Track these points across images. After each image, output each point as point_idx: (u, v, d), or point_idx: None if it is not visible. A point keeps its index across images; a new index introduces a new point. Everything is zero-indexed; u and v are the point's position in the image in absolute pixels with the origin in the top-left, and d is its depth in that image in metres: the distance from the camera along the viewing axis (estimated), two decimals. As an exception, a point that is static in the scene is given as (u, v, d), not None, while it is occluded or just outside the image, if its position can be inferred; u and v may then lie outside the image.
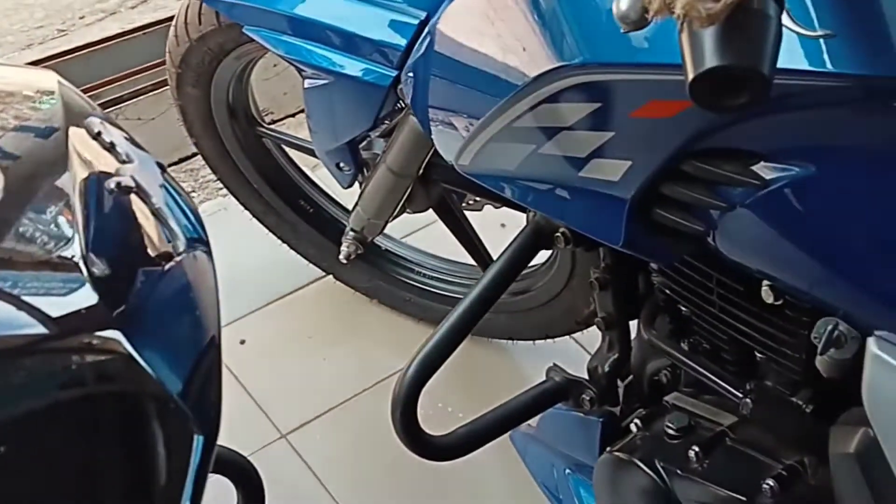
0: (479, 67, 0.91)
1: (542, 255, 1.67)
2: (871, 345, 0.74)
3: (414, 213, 1.61)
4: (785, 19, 0.64)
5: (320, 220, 1.86)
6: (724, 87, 0.52)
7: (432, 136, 1.06)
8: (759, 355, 0.97)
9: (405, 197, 1.48)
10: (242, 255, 2.02)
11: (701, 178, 0.79)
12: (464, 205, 1.70)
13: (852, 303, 0.76)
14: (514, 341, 1.79)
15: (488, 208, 1.66)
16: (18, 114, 0.83)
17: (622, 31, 0.66)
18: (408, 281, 1.84)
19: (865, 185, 0.70)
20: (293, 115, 2.39)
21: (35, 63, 2.29)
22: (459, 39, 0.97)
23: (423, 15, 1.22)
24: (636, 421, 1.06)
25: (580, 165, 0.85)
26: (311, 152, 1.67)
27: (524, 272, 1.71)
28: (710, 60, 0.51)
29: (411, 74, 1.11)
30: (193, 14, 1.50)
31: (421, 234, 2.00)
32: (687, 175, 0.79)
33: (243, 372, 1.82)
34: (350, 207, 1.82)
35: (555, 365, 1.19)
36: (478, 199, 1.68)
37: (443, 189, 1.59)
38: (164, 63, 2.12)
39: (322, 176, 1.78)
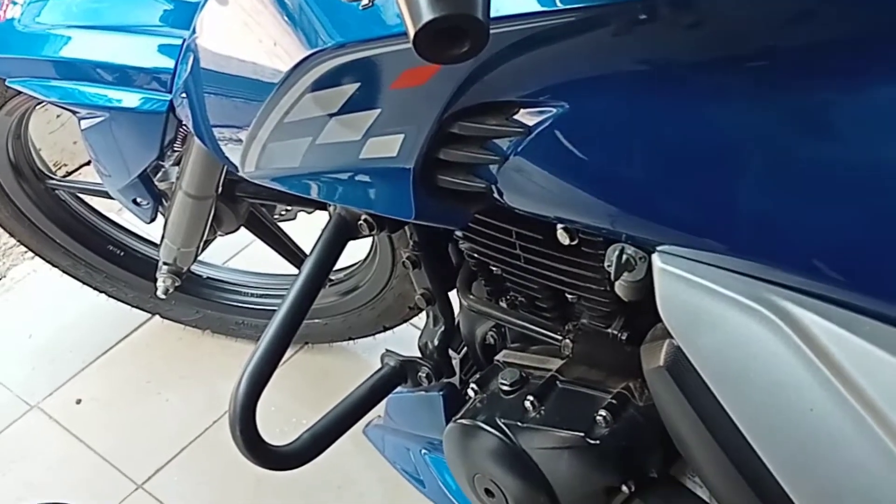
0: (242, 74, 0.92)
1: (364, 251, 1.69)
2: (656, 261, 0.78)
3: (226, 234, 1.59)
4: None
5: (133, 262, 1.81)
6: (446, 39, 0.54)
7: (218, 152, 1.06)
8: (570, 297, 1.01)
9: (210, 219, 1.46)
10: (61, 314, 1.95)
11: (470, 137, 0.81)
12: (276, 217, 1.70)
13: (631, 225, 0.79)
14: (355, 340, 1.80)
15: (303, 215, 1.67)
16: None
17: (360, 7, 0.68)
18: (235, 304, 1.82)
19: (616, 112, 0.74)
20: (88, 163, 2.32)
21: None
22: (219, 50, 0.97)
23: (185, 34, 1.21)
24: (472, 386, 1.08)
25: (358, 148, 0.86)
26: (108, 195, 1.63)
27: (349, 270, 1.74)
28: (427, 14, 0.53)
29: (183, 95, 1.10)
30: (-48, 76, 1.44)
31: (243, 255, 1.98)
32: (458, 136, 0.82)
33: (85, 431, 1.76)
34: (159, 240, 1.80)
35: (388, 351, 1.20)
36: (289, 208, 1.68)
37: (250, 205, 1.58)
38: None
39: (126, 216, 1.74)
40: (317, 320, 1.78)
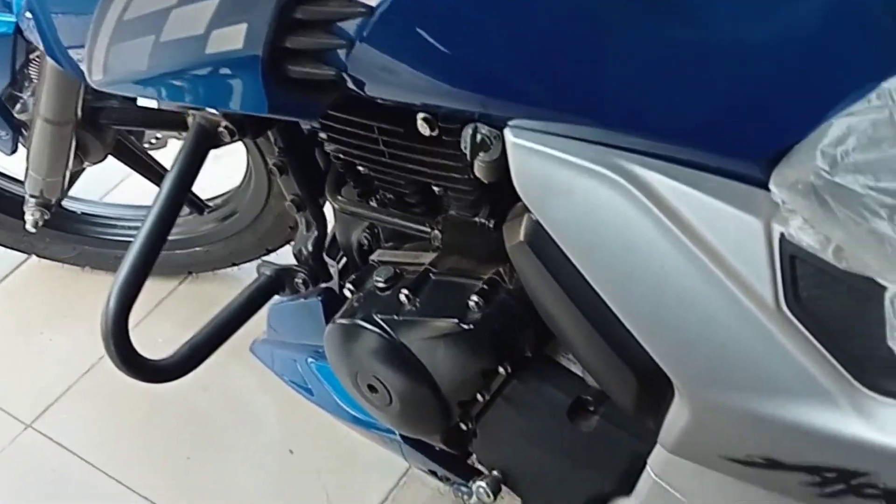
0: None
1: (241, 174, 1.66)
2: (508, 135, 0.79)
3: (94, 164, 1.55)
4: None
5: (2, 201, 1.75)
6: None
7: (71, 66, 1.02)
8: (436, 189, 1.01)
9: (75, 147, 1.42)
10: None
11: (314, 22, 0.80)
12: (146, 145, 1.66)
13: (480, 102, 0.79)
14: (239, 266, 1.78)
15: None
16: None
17: None
18: (113, 238, 1.79)
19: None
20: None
21: None
22: None
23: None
24: (348, 286, 1.08)
25: (203, 42, 0.84)
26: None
27: (226, 196, 1.71)
28: None
29: (28, 15, 1.05)
30: None
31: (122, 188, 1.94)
32: (302, 22, 0.80)
33: (-33, 377, 1.72)
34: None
35: (263, 261, 1.19)
36: (158, 135, 1.65)
37: (116, 132, 1.54)
38: None
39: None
40: (197, 248, 1.75)
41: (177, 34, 0.84)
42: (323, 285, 1.17)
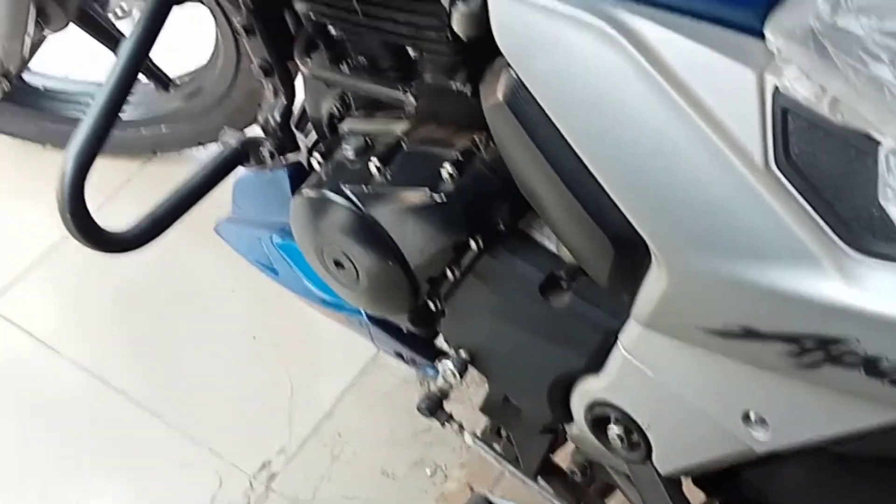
0: None
1: (207, 52, 1.60)
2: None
3: (55, 32, 1.49)
4: None
5: (-41, 73, 1.68)
6: None
7: None
8: (412, 53, 0.96)
9: (34, 11, 1.36)
10: None
11: None
12: (112, 15, 1.59)
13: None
14: (205, 145, 1.73)
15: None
16: None
17: None
18: (75, 115, 1.72)
19: None
20: None
21: None
22: None
23: None
24: (315, 156, 1.04)
25: None
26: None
27: (193, 73, 1.66)
28: None
29: None
30: None
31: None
32: None
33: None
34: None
35: (226, 129, 1.14)
36: (124, 4, 1.58)
37: (79, 0, 1.48)
38: None
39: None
40: (163, 126, 1.70)
41: None
42: (290, 157, 1.13)
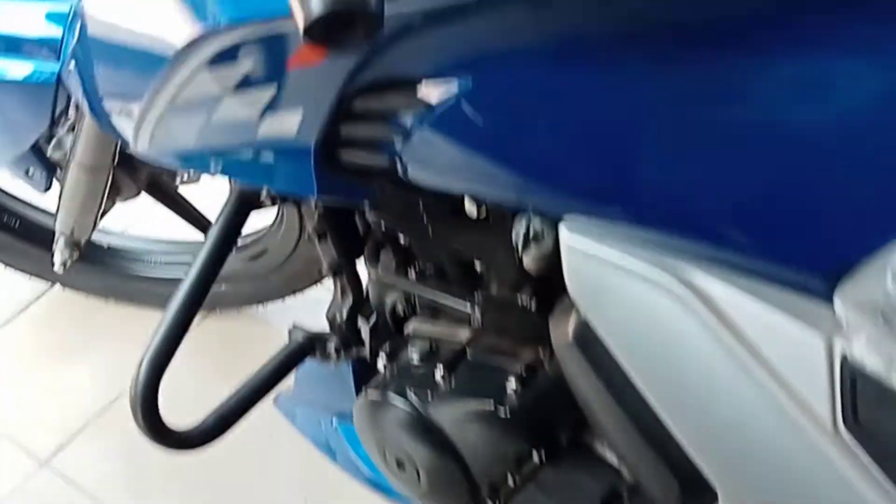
0: (132, 45, 0.87)
1: (271, 215, 1.65)
2: (563, 231, 0.77)
3: (125, 201, 1.54)
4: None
5: (29, 232, 1.74)
6: (338, 28, 0.52)
7: (109, 128, 1.01)
8: (478, 267, 1.00)
9: (108, 189, 1.41)
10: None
11: (373, 112, 0.79)
12: (178, 182, 1.65)
13: (536, 196, 0.78)
14: (265, 304, 1.77)
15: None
16: None
17: None
18: (139, 273, 1.78)
19: (520, 83, 0.72)
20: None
21: None
22: (108, 18, 0.92)
23: (74, 2, 1.15)
24: (382, 357, 1.07)
25: (256, 124, 0.83)
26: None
27: (256, 236, 1.70)
28: (318, 9, 0.50)
29: (71, 67, 1.04)
30: None
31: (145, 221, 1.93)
32: (358, 113, 0.79)
33: (-16, 407, 1.71)
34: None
35: (295, 325, 1.18)
36: (192, 172, 1.64)
37: (150, 171, 1.53)
38: None
39: (20, 185, 1.67)
40: (224, 286, 1.74)
41: (230, 115, 0.83)
42: (355, 352, 1.16)
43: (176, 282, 1.74)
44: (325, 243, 1.11)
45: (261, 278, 1.69)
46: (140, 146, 0.95)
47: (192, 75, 0.80)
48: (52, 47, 1.16)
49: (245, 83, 0.79)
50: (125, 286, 1.79)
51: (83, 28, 0.98)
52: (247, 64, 0.77)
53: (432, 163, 0.80)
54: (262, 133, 0.83)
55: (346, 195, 0.89)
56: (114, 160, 1.35)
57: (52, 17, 1.17)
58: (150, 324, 1.79)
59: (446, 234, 0.96)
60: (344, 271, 1.13)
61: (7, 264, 1.78)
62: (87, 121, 1.26)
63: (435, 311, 1.10)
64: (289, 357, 1.15)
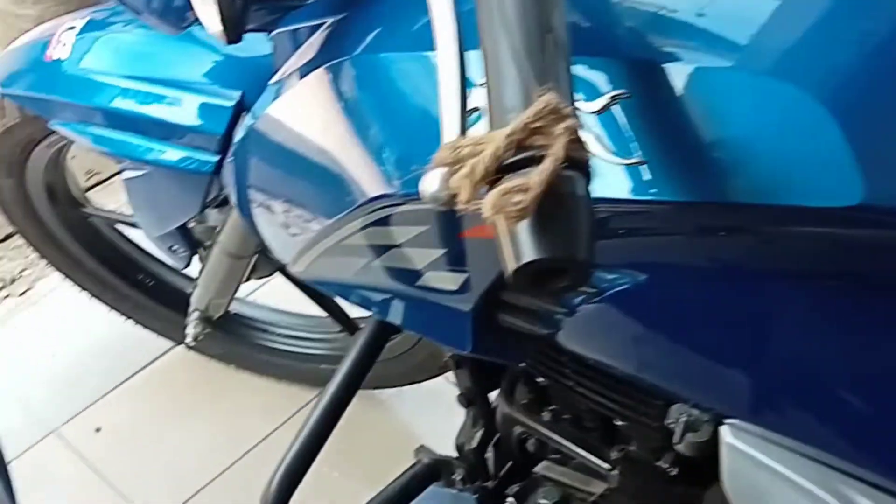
0: (306, 180, 0.86)
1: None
2: (725, 433, 0.74)
3: (259, 278, 1.55)
4: (599, 150, 0.62)
5: (163, 292, 1.78)
6: (546, 274, 0.49)
7: (262, 238, 1.02)
8: (619, 423, 0.96)
9: (246, 274, 1.43)
10: (84, 335, 1.92)
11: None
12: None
13: (699, 395, 0.75)
14: (381, 389, 1.76)
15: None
16: None
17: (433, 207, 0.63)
18: (262, 342, 1.79)
19: (693, 292, 0.69)
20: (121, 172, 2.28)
21: None
22: (283, 144, 0.91)
23: (237, 96, 1.17)
24: (510, 498, 1.04)
25: (416, 277, 0.81)
26: (143, 227, 1.60)
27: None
28: (527, 254, 0.48)
29: (231, 172, 1.04)
30: (-6, 107, 1.41)
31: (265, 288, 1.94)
32: (527, 284, 0.77)
33: (102, 463, 1.73)
34: (191, 273, 1.76)
35: (422, 447, 1.16)
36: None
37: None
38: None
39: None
40: (343, 367, 1.74)
41: (391, 264, 0.82)
42: (480, 484, 1.13)
43: (297, 356, 1.78)
44: (461, 371, 1.09)
45: (379, 365, 1.68)
46: (297, 268, 0.95)
47: (361, 228, 0.79)
48: (208, 139, 1.17)
49: (414, 242, 0.77)
50: (247, 354, 1.80)
51: (255, 147, 0.97)
52: (420, 227, 0.75)
53: (592, 343, 0.78)
54: (421, 283, 0.82)
55: (498, 354, 0.87)
56: (256, 249, 1.36)
57: (213, 109, 1.18)
58: (269, 394, 1.83)
59: (594, 390, 0.93)
60: (477, 402, 1.11)
61: (136, 321, 1.81)
62: (236, 212, 1.27)
63: (568, 457, 1.06)
64: (415, 480, 1.13)
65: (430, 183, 0.52)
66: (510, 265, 0.50)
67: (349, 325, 1.69)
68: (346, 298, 0.93)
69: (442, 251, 0.77)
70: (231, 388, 1.84)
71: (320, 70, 0.81)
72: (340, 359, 1.72)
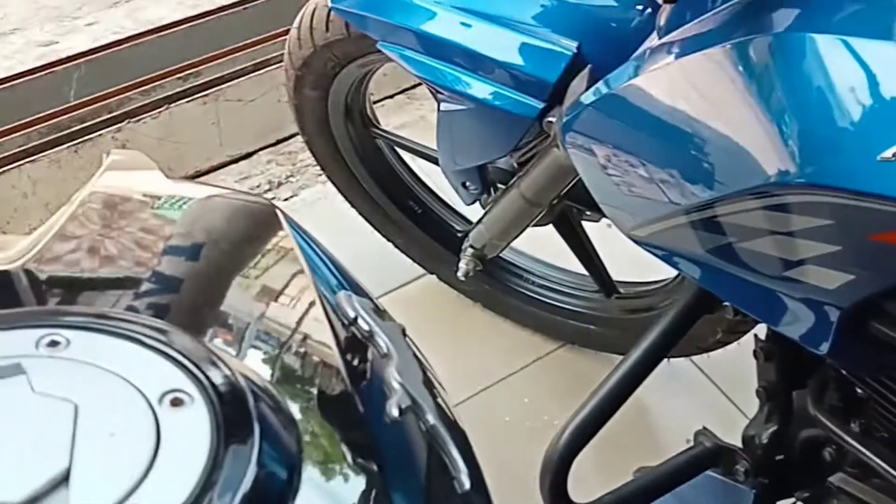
0: (684, 154, 0.83)
1: (669, 272, 1.60)
2: None
3: (534, 227, 1.55)
4: None
5: (428, 222, 1.81)
6: None
7: (596, 196, 1.00)
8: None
9: (534, 221, 1.43)
10: (340, 250, 1.95)
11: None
12: (583, 218, 1.64)
13: None
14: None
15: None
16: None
17: (878, 159, 0.60)
18: (515, 287, 1.79)
19: None
20: (391, 97, 2.33)
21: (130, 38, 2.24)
22: (663, 112, 0.84)
23: (574, 45, 1.15)
24: (800, 501, 1.01)
25: (789, 266, 0.78)
26: (428, 157, 1.62)
27: (644, 288, 1.66)
28: None
29: (582, 127, 0.99)
30: (320, 20, 1.44)
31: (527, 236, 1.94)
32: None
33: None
34: (459, 210, 1.77)
35: (704, 429, 1.13)
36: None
37: (565, 205, 1.53)
38: (264, 41, 2.08)
39: (435, 179, 1.72)
40: (592, 327, 1.72)
41: (764, 249, 0.79)
42: (760, 479, 1.09)
43: (547, 307, 1.77)
44: (767, 364, 1.06)
45: (631, 333, 1.65)
46: (637, 232, 0.93)
47: (755, 209, 0.76)
48: (538, 85, 1.16)
49: (808, 233, 0.74)
50: (498, 296, 1.81)
51: (626, 98, 0.92)
52: (824, 220, 0.71)
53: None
54: (790, 274, 0.78)
55: (853, 363, 0.83)
56: (553, 201, 1.36)
57: (545, 54, 1.16)
58: (509, 338, 1.83)
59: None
60: (778, 396, 1.07)
61: (396, 245, 1.85)
62: (551, 162, 1.26)
63: (868, 471, 1.02)
64: (693, 461, 1.10)
65: None
66: None
67: (608, 287, 1.67)
68: (687, 272, 0.90)
69: (836, 248, 0.73)
70: (474, 326, 1.86)
71: (724, 44, 0.77)
72: (590, 318, 1.73)
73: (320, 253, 0.83)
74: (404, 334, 0.74)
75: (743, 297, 0.85)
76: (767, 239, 0.78)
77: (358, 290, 0.82)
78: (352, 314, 0.72)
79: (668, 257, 0.92)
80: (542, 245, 1.82)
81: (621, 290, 1.68)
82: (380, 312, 0.76)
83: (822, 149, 0.68)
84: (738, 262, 0.83)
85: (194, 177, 2.12)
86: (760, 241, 0.78)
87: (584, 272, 1.68)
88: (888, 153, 0.62)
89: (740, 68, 0.75)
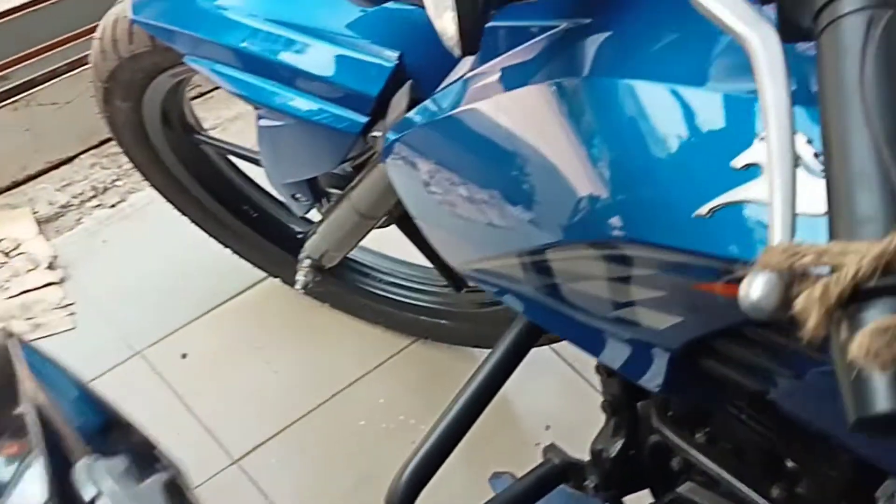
0: (510, 194, 0.77)
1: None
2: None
3: (376, 229, 1.49)
4: None
5: (266, 225, 1.73)
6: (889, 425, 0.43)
7: (427, 235, 0.95)
8: (790, 465, 0.90)
9: (371, 230, 1.37)
10: (177, 256, 1.87)
11: (763, 343, 0.70)
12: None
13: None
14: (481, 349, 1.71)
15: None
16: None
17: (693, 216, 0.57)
18: (362, 286, 1.73)
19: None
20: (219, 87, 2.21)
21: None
22: (485, 147, 0.80)
23: (395, 56, 1.09)
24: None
25: (618, 307, 0.75)
26: (257, 161, 1.54)
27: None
28: (883, 404, 0.42)
29: (404, 153, 0.93)
30: (123, 31, 1.33)
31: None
32: (747, 338, 0.71)
33: (187, 390, 1.70)
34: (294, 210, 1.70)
35: (552, 445, 1.11)
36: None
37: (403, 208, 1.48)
38: (77, 37, 1.94)
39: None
40: (444, 322, 1.69)
41: (593, 291, 0.75)
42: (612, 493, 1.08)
43: (396, 303, 1.72)
44: (610, 380, 1.04)
45: (483, 325, 1.63)
46: (465, 269, 0.89)
47: (579, 258, 0.72)
48: (360, 99, 1.10)
49: (634, 280, 0.70)
50: (345, 295, 1.75)
51: (446, 127, 0.86)
52: (647, 270, 0.68)
53: (810, 405, 0.71)
54: (621, 315, 0.75)
55: (689, 397, 0.81)
56: (386, 213, 1.30)
57: (366, 68, 1.09)
58: (360, 337, 1.78)
59: (766, 425, 0.87)
60: (623, 411, 1.05)
61: (234, 251, 1.76)
62: (379, 176, 1.20)
63: (715, 483, 1.01)
64: (544, 477, 1.08)
65: (755, 289, 0.45)
66: (854, 412, 0.43)
67: (455, 282, 1.64)
68: (510, 304, 0.86)
69: (663, 293, 0.70)
70: (323, 327, 1.80)
71: (548, 82, 0.72)
72: (442, 313, 1.69)
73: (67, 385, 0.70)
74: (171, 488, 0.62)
75: (576, 335, 0.82)
76: (598, 283, 0.74)
77: (115, 439, 0.68)
78: (92, 492, 0.59)
79: (498, 293, 0.88)
80: (389, 239, 1.78)
81: (470, 284, 1.65)
82: (146, 464, 0.64)
83: (640, 206, 0.65)
84: (569, 303, 0.79)
85: (11, 188, 1.98)
86: (590, 284, 0.75)
87: (429, 265, 1.63)
88: (703, 210, 0.58)
89: (560, 110, 0.71)
